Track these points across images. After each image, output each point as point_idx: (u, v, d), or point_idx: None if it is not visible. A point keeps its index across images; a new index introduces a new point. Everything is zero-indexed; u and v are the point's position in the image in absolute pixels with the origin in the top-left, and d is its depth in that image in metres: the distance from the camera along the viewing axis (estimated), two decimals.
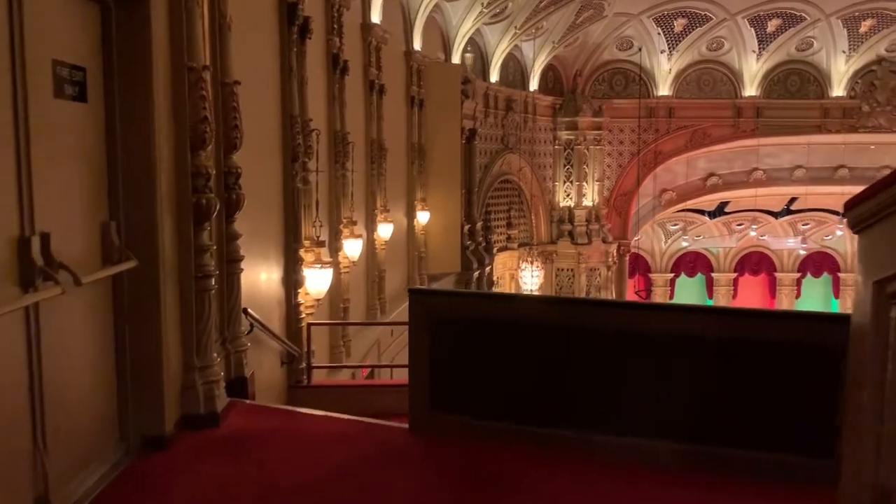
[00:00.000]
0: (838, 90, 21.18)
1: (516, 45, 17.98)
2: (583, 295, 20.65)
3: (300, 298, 6.43)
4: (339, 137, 8.62)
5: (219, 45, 4.30)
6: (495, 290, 18.22)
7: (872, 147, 22.64)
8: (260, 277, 5.65)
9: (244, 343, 4.57)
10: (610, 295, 21.33)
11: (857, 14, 19.57)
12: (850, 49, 20.59)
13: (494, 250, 17.87)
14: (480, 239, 16.38)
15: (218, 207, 4.10)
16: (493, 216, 18.36)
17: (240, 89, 4.44)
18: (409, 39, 12.87)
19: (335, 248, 8.36)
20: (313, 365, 6.36)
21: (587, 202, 20.88)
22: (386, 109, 11.11)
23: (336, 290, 8.03)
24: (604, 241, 21.02)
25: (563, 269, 20.80)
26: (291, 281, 6.27)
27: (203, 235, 3.89)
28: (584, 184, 20.83)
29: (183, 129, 3.72)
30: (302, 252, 6.49)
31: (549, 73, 20.22)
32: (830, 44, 20.47)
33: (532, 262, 17.85)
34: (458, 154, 14.46)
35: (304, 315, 6.48)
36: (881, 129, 21.18)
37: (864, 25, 19.97)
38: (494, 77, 17.34)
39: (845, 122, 21.39)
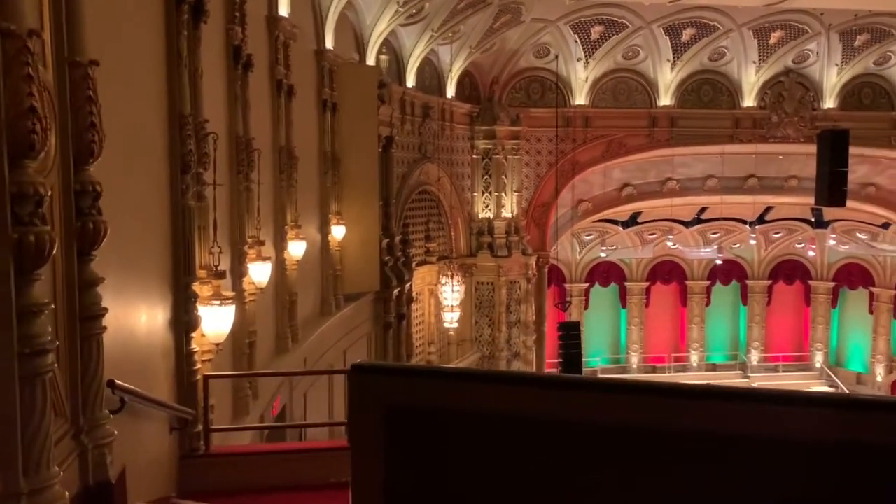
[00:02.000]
0: (749, 100, 21.38)
1: (433, 49, 17.10)
2: (503, 310, 19.96)
3: (194, 344, 5.20)
4: (242, 144, 7.42)
5: (65, 5, 3.10)
6: (413, 307, 17.24)
7: (780, 157, 23.03)
8: (138, 325, 4.40)
9: (109, 432, 3.33)
10: (530, 308, 20.71)
11: (766, 25, 19.76)
12: (760, 60, 20.81)
13: (413, 265, 16.87)
14: (399, 254, 15.34)
15: (56, 244, 2.77)
16: (412, 229, 17.37)
17: (102, 75, 3.21)
18: (320, 37, 11.73)
19: (239, 275, 7.14)
20: (211, 427, 5.16)
21: (506, 213, 20.22)
22: (296, 113, 9.94)
23: (240, 323, 6.80)
24: (523, 253, 20.40)
25: (483, 283, 20.04)
26: (182, 324, 5.02)
27: (32, 290, 2.56)
28: (503, 194, 20.16)
29: None
30: (196, 286, 5.25)
31: (466, 79, 19.47)
32: (742, 54, 20.61)
33: (452, 277, 16.94)
34: (375, 163, 13.42)
35: (199, 365, 5.25)
36: (789, 140, 21.51)
37: (774, 36, 20.20)
38: (411, 82, 16.39)
39: (756, 132, 21.62)
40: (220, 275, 5.61)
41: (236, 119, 7.23)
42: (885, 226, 27.13)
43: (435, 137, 17.54)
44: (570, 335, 18.85)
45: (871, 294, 29.79)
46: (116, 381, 3.55)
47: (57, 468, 2.55)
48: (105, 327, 3.35)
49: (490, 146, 19.84)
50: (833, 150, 17.34)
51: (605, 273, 30.17)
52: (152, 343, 4.66)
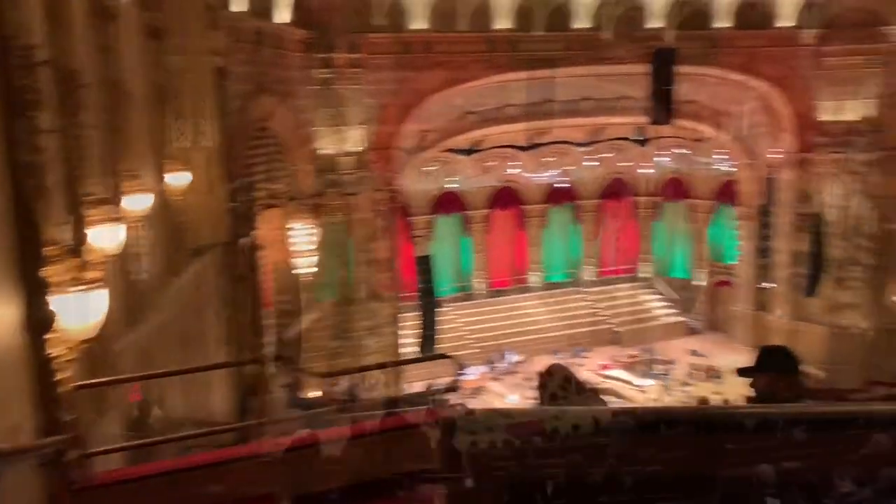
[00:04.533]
0: (582, 21, 21.46)
1: None
2: (356, 249, 19.12)
3: (56, 345, 3.96)
4: (65, 76, 5.93)
5: None
6: (261, 255, 15.96)
7: (613, 78, 23.52)
8: None
9: None
10: (383, 245, 20.02)
11: None
12: None
13: (259, 210, 15.52)
14: (246, 198, 13.96)
15: None
16: (254, 170, 15.93)
17: None
18: None
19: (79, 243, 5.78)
20: (90, 451, 3.96)
21: (352, 148, 19.14)
22: (120, 40, 8.32)
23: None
24: (373, 188, 19.51)
25: (332, 223, 19.01)
26: (36, 324, 3.78)
27: None
28: (347, 128, 19.02)
29: None
30: (49, 270, 3.98)
31: (299, 2, 17.84)
32: None
33: (305, 219, 15.81)
34: (211, 97, 11.89)
35: (64, 372, 4.01)
36: (623, 61, 21.91)
37: None
38: (239, 4, 14.64)
39: (590, 53, 21.80)
40: (76, 251, 4.36)
41: (59, 44, 5.73)
42: (700, 140, 28.96)
43: (271, 67, 15.98)
44: (424, 269, 18.48)
45: (691, 205, 32.00)
46: None
47: None
48: None
49: (329, 76, 18.53)
50: (661, 68, 17.79)
51: (449, 203, 30.05)
52: None
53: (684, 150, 29.99)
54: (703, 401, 20.74)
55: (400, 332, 21.30)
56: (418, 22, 19.87)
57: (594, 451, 2.77)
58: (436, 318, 18.66)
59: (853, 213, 25.07)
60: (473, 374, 25.53)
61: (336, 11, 18.73)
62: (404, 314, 21.66)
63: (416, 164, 26.62)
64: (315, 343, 18.98)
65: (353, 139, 19.08)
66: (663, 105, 18.56)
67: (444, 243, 30.59)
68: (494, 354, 27.04)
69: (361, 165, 19.21)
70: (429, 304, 18.47)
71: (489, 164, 28.82)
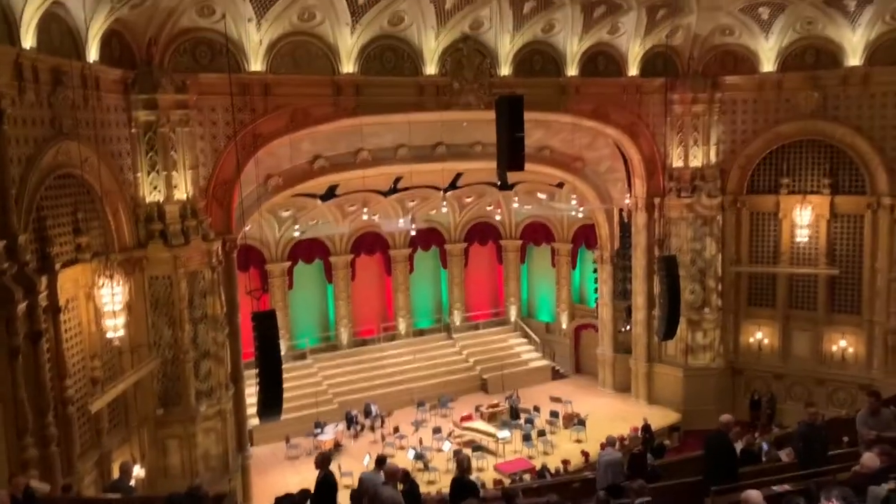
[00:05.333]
0: (431, 68, 21.08)
1: (58, 2, 13.93)
2: (185, 305, 17.56)
3: None
4: None
5: None
6: (64, 317, 14.24)
7: (465, 124, 23.28)
8: None
9: None
10: (218, 300, 18.56)
11: None
12: (438, 25, 20.53)
13: (57, 266, 13.85)
14: (29, 256, 12.33)
15: None
16: (53, 222, 14.25)
17: None
18: None
19: None
20: None
21: (180, 195, 17.69)
22: None
23: None
24: (205, 238, 18.09)
25: (157, 278, 17.43)
26: None
27: None
28: (175, 173, 17.59)
29: None
30: None
31: (115, 39, 16.43)
32: (420, 19, 20.15)
33: (111, 277, 14.20)
34: None
35: None
36: (472, 107, 21.67)
37: (449, 2, 19.98)
38: (30, 41, 13.12)
39: (440, 99, 21.45)
40: None
41: None
42: (560, 185, 29.21)
43: (75, 109, 14.44)
44: (265, 325, 17.09)
45: (553, 249, 32.20)
46: None
47: None
48: None
49: (153, 118, 17.10)
50: (510, 115, 17.47)
51: (308, 249, 28.85)
52: None
53: (544, 195, 30.16)
54: (565, 461, 20.31)
55: (238, 396, 19.80)
56: (257, 63, 18.83)
57: None
58: (279, 378, 17.25)
59: (703, 255, 25.73)
60: (330, 432, 24.18)
61: (161, 49, 17.43)
62: (246, 374, 20.20)
63: (267, 210, 25.38)
64: (140, 411, 17.20)
65: (183, 185, 17.65)
66: (513, 152, 18.20)
67: (306, 292, 29.29)
68: (353, 410, 25.78)
69: (192, 213, 17.78)
70: (269, 363, 17.05)
71: (349, 208, 27.89)
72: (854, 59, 23.51)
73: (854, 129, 23.92)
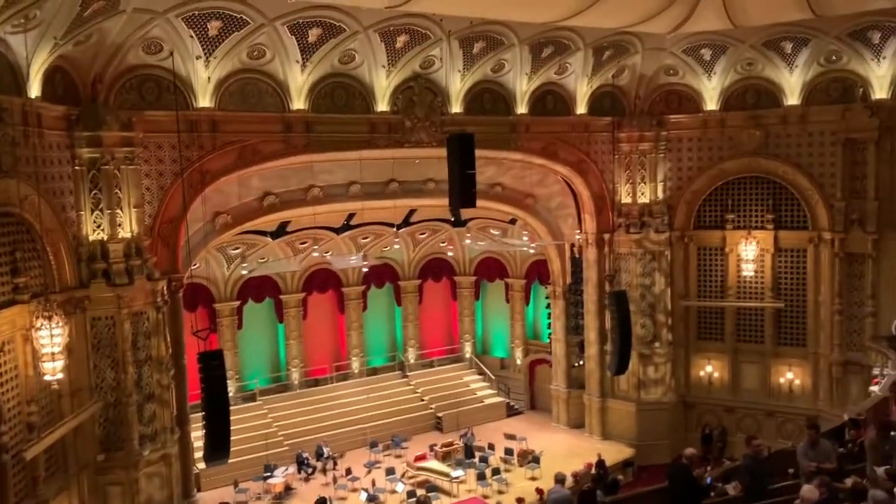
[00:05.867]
0: (383, 105, 21.19)
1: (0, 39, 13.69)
2: (128, 347, 17.08)
3: None
4: None
5: None
6: (1, 360, 13.73)
7: (417, 161, 23.40)
8: None
9: None
10: (163, 341, 18.12)
11: (392, 28, 19.65)
12: (389, 64, 20.70)
13: None
14: None
15: None
16: None
17: None
18: None
19: None
20: None
21: (125, 233, 17.33)
22: None
23: None
24: (149, 277, 17.70)
25: (99, 318, 16.96)
26: None
27: None
28: (119, 211, 17.25)
29: None
30: None
31: (59, 76, 16.15)
32: (371, 57, 20.30)
33: (50, 318, 13.74)
34: None
35: None
36: (423, 144, 21.83)
37: (400, 41, 20.21)
38: None
39: (392, 136, 21.55)
40: None
41: None
42: (513, 221, 29.45)
43: (14, 147, 14.10)
44: (211, 366, 16.68)
45: (507, 284, 32.32)
46: None
47: None
48: None
49: (97, 155, 16.79)
50: (461, 153, 17.61)
51: (259, 287, 28.42)
52: None
53: (497, 231, 30.38)
54: (520, 499, 20.11)
55: (184, 439, 19.23)
56: (205, 100, 18.69)
57: None
58: (226, 420, 16.81)
59: (652, 290, 26.10)
60: (279, 475, 23.60)
61: (107, 86, 17.18)
62: (193, 417, 19.68)
63: (216, 247, 25.02)
64: (79, 457, 16.55)
65: (127, 224, 17.29)
66: (465, 188, 18.28)
67: (255, 331, 28.77)
68: (304, 452, 25.23)
69: (137, 252, 17.39)
70: (216, 405, 16.62)
71: (301, 245, 27.64)
72: (792, 98, 24.40)
73: (794, 166, 24.72)
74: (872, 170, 23.37)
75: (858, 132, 23.40)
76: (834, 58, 23.32)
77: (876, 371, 21.53)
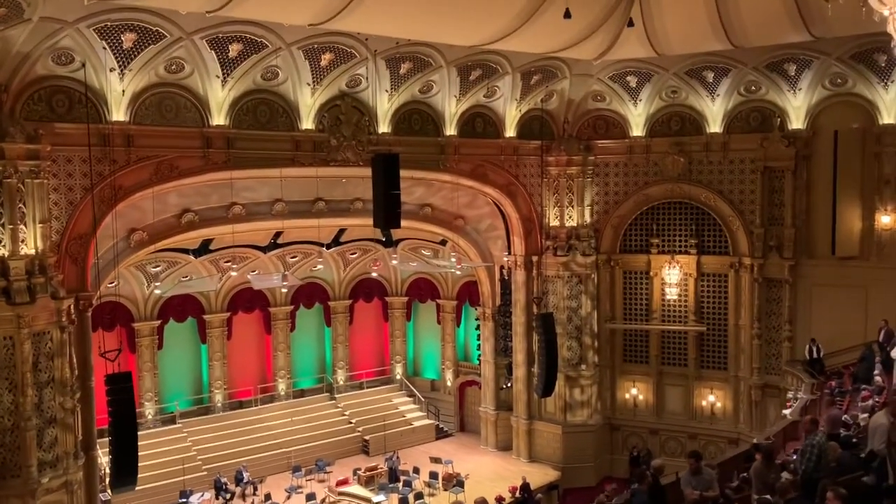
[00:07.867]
0: (308, 123, 20.89)
1: None
2: (28, 369, 16.24)
3: None
4: None
5: None
6: None
7: (344, 180, 23.12)
8: None
9: None
10: (67, 362, 17.31)
11: (316, 46, 19.41)
12: (314, 82, 20.44)
13: None
14: None
15: None
16: None
17: None
18: None
19: None
20: None
21: (28, 250, 16.55)
22: None
23: None
24: (53, 296, 16.92)
25: None
26: None
27: None
28: (23, 226, 16.47)
29: None
30: None
31: None
32: (295, 75, 20.00)
33: None
34: None
35: None
36: (350, 163, 21.57)
37: (325, 59, 19.98)
38: None
39: (317, 155, 21.23)
40: None
41: None
42: (444, 242, 29.34)
43: None
44: (119, 388, 16.00)
45: (438, 306, 32.14)
46: None
47: None
48: None
49: None
50: (385, 173, 17.43)
51: (181, 306, 27.57)
52: None
53: (428, 252, 30.23)
54: None
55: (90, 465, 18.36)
56: (119, 113, 18.08)
57: None
58: (133, 444, 16.12)
59: (579, 312, 26.27)
60: (195, 501, 22.77)
61: (13, 96, 16.47)
62: (101, 441, 18.86)
63: (135, 265, 24.22)
64: None
65: (31, 240, 16.53)
66: (389, 209, 18.06)
67: (177, 351, 27.87)
68: (223, 476, 24.43)
69: (40, 270, 16.62)
70: (123, 428, 15.93)
71: (225, 264, 26.94)
72: (715, 126, 25.01)
73: (716, 192, 25.28)
74: (789, 198, 24.07)
75: (776, 161, 24.10)
76: (753, 88, 24.01)
77: (790, 395, 22.07)
